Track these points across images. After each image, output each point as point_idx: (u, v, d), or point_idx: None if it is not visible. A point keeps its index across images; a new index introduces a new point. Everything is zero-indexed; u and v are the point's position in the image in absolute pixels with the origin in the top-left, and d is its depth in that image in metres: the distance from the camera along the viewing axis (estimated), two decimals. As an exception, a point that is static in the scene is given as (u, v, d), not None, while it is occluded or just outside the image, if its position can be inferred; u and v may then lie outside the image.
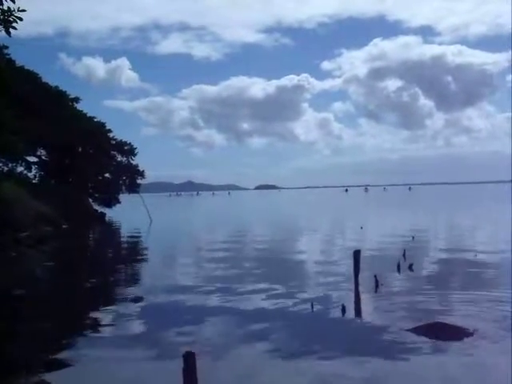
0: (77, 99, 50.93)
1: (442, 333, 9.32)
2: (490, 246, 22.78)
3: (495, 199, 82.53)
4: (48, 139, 44.42)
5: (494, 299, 12.20)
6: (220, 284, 15.07)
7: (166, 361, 8.37)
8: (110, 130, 53.40)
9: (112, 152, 53.25)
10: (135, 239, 32.59)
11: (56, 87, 49.04)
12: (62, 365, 8.49)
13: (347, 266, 16.00)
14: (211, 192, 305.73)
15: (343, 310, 11.31)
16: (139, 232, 36.95)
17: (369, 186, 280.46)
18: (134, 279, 17.38)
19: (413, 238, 25.31)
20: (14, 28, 7.04)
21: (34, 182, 47.62)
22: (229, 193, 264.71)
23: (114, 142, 53.44)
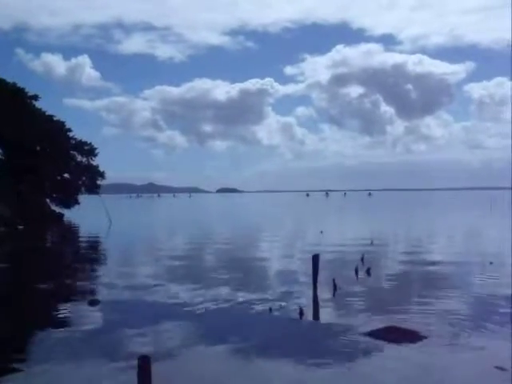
0: (36, 97, 49.72)
1: (397, 336, 9.48)
2: (445, 251, 23.33)
3: (453, 205, 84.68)
4: (4, 137, 43.25)
5: (448, 302, 12.52)
6: (178, 287, 14.97)
7: (121, 364, 8.23)
8: (69, 130, 52.43)
9: (71, 152, 52.24)
10: (94, 241, 31.98)
11: (13, 84, 47.87)
12: (10, 370, 8.22)
13: (306, 269, 16.09)
14: (172, 194, 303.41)
15: (301, 313, 11.38)
16: (98, 234, 36.32)
17: (329, 190, 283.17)
18: (90, 282, 16.99)
19: (371, 242, 25.70)
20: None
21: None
22: (190, 195, 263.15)
23: (74, 142, 52.46)
